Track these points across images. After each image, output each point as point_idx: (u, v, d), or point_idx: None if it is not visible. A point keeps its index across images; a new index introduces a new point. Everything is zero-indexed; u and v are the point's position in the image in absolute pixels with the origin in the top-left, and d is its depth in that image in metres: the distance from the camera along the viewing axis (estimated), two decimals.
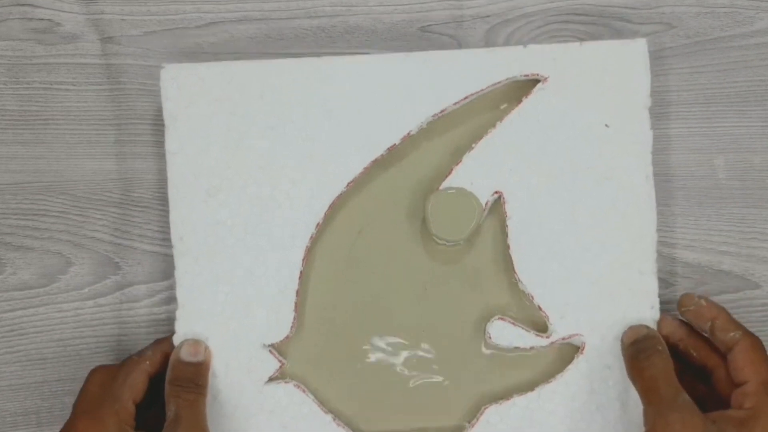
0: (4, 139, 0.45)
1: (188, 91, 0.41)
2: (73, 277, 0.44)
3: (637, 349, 0.39)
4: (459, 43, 0.45)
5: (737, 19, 0.45)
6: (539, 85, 0.41)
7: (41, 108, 0.45)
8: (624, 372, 0.40)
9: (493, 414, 0.41)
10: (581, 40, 0.44)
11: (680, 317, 0.41)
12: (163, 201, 0.43)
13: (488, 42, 0.45)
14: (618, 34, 0.45)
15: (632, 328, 0.40)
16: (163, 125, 0.41)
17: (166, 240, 0.42)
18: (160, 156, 0.43)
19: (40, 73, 0.45)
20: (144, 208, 0.44)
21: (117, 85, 0.45)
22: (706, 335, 0.40)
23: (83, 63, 0.45)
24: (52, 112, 0.45)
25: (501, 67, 0.41)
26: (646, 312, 0.41)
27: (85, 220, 0.45)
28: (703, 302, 0.40)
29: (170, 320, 0.41)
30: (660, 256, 0.42)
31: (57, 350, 0.44)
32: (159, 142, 0.41)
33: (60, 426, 0.38)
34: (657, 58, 0.44)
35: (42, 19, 0.45)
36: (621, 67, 0.41)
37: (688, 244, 0.44)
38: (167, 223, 0.41)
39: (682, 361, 0.40)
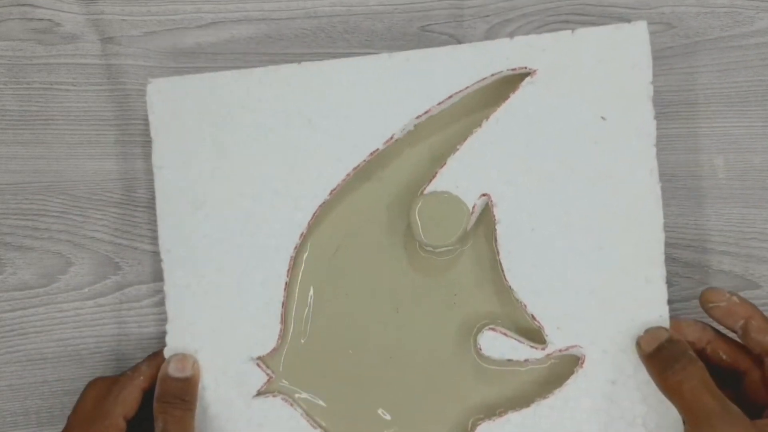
0: (4, 139, 0.45)
1: (173, 105, 0.41)
2: (73, 277, 0.44)
3: (665, 359, 0.35)
4: (459, 43, 0.45)
5: (737, 19, 0.45)
6: (527, 79, 0.39)
7: (41, 108, 0.45)
8: (629, 388, 0.38)
9: (485, 431, 0.39)
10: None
11: (688, 317, 0.39)
12: None
13: None
14: None
15: (650, 332, 0.36)
16: None
17: None
18: None
19: (40, 73, 0.45)
20: (144, 208, 0.44)
21: (117, 85, 0.45)
22: (734, 335, 0.37)
23: (83, 63, 0.45)
24: (52, 112, 0.45)
25: (486, 62, 0.39)
26: (654, 322, 0.37)
27: (85, 220, 0.45)
28: (735, 299, 0.36)
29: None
30: None
31: (57, 350, 0.44)
32: None
33: (60, 426, 0.38)
34: (657, 58, 0.44)
35: (42, 19, 0.45)
36: (619, 54, 0.38)
37: (688, 244, 0.44)
38: None
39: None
